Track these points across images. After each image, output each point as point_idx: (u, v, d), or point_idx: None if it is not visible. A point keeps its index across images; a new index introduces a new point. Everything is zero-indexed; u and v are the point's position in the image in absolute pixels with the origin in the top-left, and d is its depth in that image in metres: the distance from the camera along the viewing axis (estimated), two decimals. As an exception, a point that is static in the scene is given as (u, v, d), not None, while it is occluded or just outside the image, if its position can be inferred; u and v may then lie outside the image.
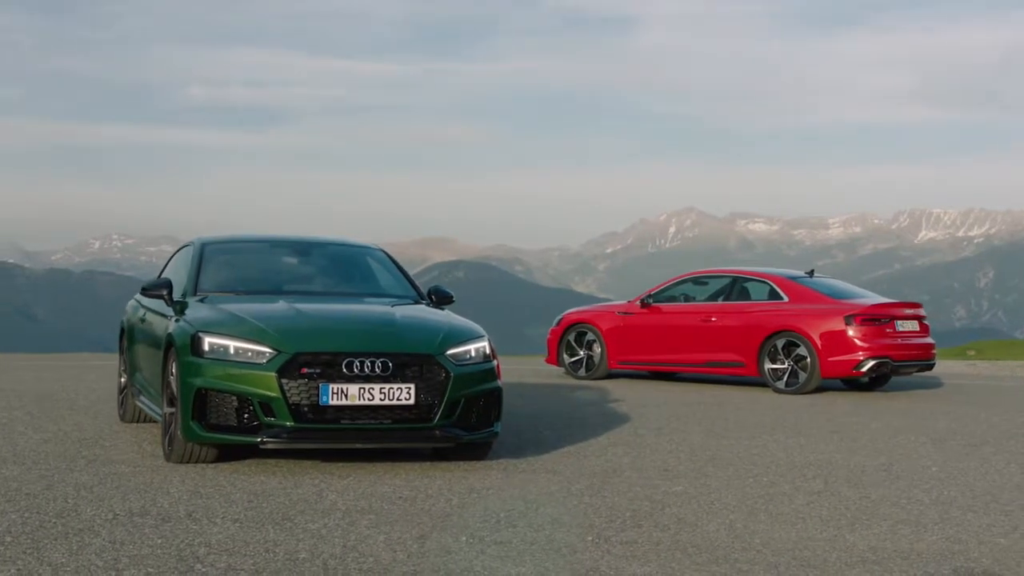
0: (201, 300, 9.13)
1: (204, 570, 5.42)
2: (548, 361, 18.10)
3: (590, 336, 17.43)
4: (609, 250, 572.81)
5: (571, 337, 17.63)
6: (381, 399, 8.15)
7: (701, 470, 8.90)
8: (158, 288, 9.35)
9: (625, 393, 15.04)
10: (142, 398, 9.97)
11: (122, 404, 10.94)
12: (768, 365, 15.86)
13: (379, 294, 9.87)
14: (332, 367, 8.11)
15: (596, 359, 17.33)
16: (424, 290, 10.00)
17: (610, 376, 17.40)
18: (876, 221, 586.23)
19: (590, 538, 6.38)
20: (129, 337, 10.74)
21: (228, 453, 8.68)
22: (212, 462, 8.44)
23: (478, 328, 9.06)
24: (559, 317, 18.16)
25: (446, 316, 9.19)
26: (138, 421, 10.67)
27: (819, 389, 16.01)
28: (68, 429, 10.27)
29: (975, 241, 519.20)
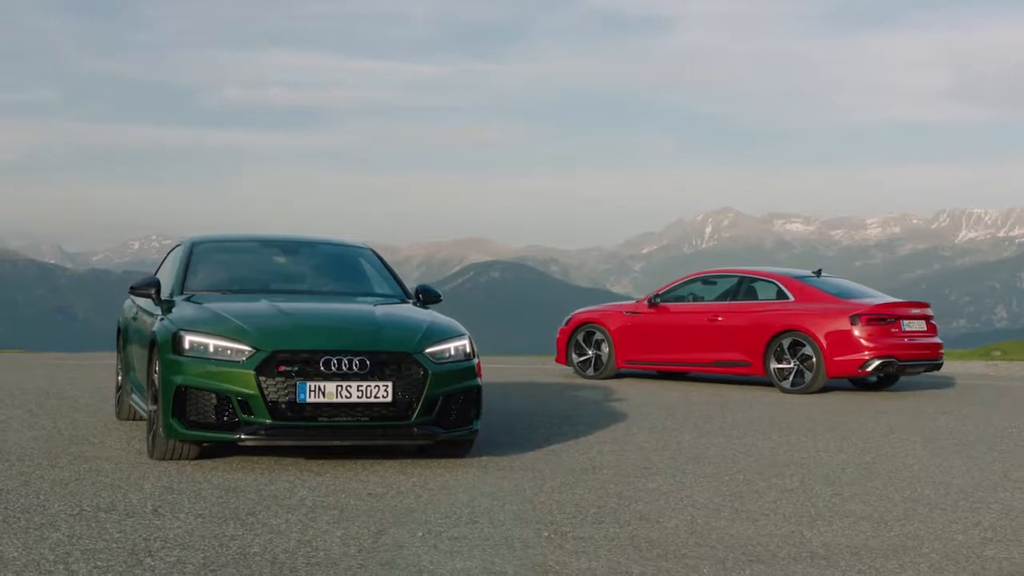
0: (187, 299, 9.25)
1: (153, 564, 5.52)
2: (557, 360, 18.15)
3: (598, 336, 17.47)
4: (645, 250, 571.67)
5: (580, 337, 17.67)
6: (359, 397, 8.24)
7: (681, 468, 8.94)
8: (146, 287, 9.48)
9: (629, 392, 15.08)
10: (134, 396, 10.11)
11: (119, 402, 11.09)
12: (774, 365, 15.85)
13: (366, 293, 9.96)
14: (310, 365, 8.21)
15: (604, 359, 17.37)
16: (412, 289, 10.08)
17: (618, 376, 17.44)
18: (915, 221, 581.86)
19: (546, 534, 6.44)
20: (124, 336, 10.90)
21: (211, 450, 8.80)
22: (194, 459, 8.55)
23: (459, 327, 9.13)
24: (568, 316, 18.21)
25: (429, 315, 9.26)
26: (133, 419, 10.81)
27: (826, 389, 15.99)
28: (63, 427, 10.42)
29: (1016, 241, 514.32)
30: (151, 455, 8.68)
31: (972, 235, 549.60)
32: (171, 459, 8.54)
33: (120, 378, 11.10)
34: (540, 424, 11.35)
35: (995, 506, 7.66)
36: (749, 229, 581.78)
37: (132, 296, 9.92)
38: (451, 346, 8.77)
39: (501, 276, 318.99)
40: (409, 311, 9.33)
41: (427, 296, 9.93)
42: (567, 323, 18.02)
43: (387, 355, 8.40)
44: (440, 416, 8.55)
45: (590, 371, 17.49)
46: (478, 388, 8.86)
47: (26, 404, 12.16)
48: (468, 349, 8.90)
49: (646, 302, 17.39)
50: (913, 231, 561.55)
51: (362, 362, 8.29)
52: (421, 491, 7.61)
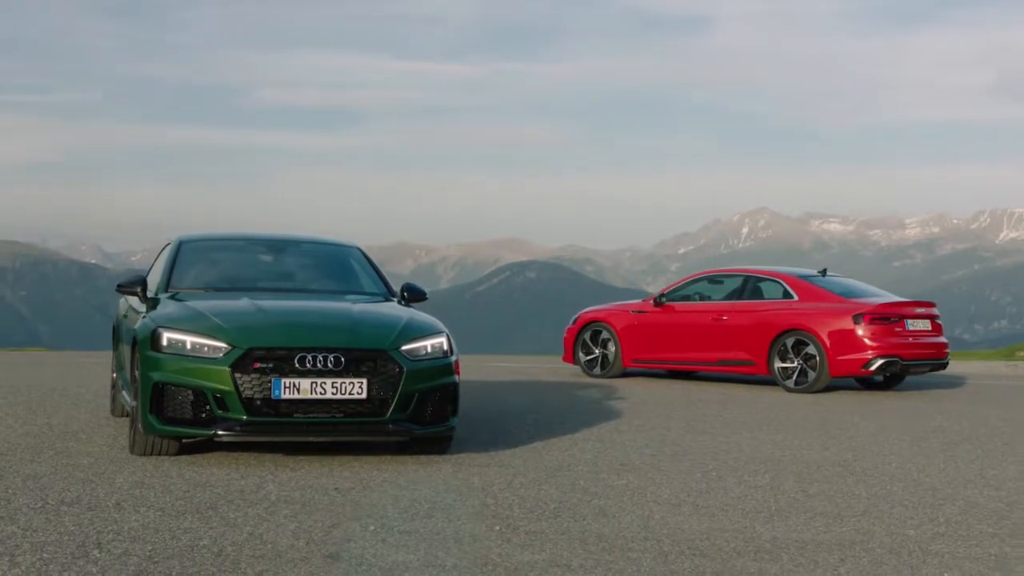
0: (171, 297, 9.38)
1: (98, 556, 5.63)
2: (565, 360, 18.22)
3: (605, 335, 17.53)
4: (681, 251, 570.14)
5: (587, 336, 17.73)
6: (333, 393, 8.34)
7: (657, 465, 8.99)
8: (132, 285, 9.62)
9: (630, 391, 15.12)
10: (124, 393, 10.25)
11: (113, 399, 11.24)
12: (778, 364, 15.86)
13: (350, 292, 10.06)
14: (286, 362, 8.32)
15: (611, 358, 17.42)
16: (398, 288, 10.17)
17: (625, 375, 17.48)
18: (955, 221, 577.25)
19: (498, 528, 6.52)
20: (116, 333, 11.06)
21: (192, 446, 8.93)
22: (173, 455, 8.68)
23: (437, 324, 9.21)
24: (575, 316, 18.28)
25: (408, 313, 9.34)
26: (125, 416, 10.94)
27: (832, 388, 16.00)
28: (56, 423, 10.58)
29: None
30: (131, 450, 8.82)
31: (1014, 235, 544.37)
32: (150, 455, 8.67)
33: (114, 375, 11.26)
34: (530, 422, 11.41)
35: (959, 503, 7.67)
36: (786, 229, 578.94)
37: (120, 294, 10.06)
38: (428, 343, 8.85)
39: (536, 276, 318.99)
40: (388, 309, 9.42)
41: (412, 294, 10.02)
42: (574, 322, 18.09)
43: (362, 352, 8.49)
44: (416, 413, 8.63)
45: (597, 370, 17.54)
46: (455, 385, 8.94)
47: (28, 400, 12.34)
48: (446, 347, 8.98)
49: (652, 301, 17.43)
50: (953, 231, 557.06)
51: (337, 359, 8.38)
52: (389, 486, 7.70)
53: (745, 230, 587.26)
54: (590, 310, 18.27)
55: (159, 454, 8.68)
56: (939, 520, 7.07)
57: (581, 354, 17.77)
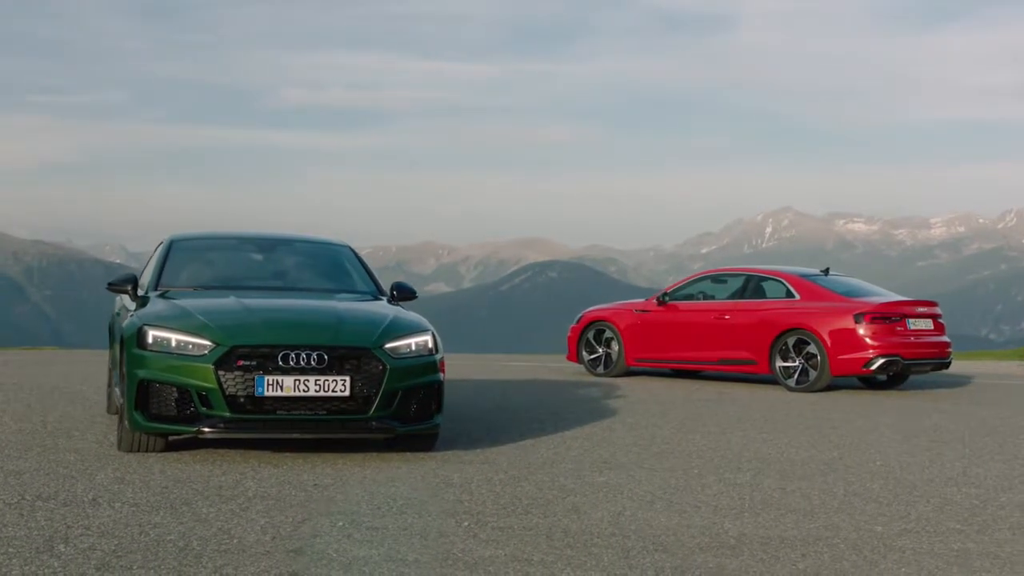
0: (161, 295, 9.47)
1: (63, 550, 5.71)
2: (569, 359, 18.25)
3: (608, 334, 17.56)
4: (704, 250, 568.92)
5: (590, 335, 17.77)
6: (316, 391, 8.41)
7: (640, 462, 9.02)
8: (122, 284, 9.73)
9: (631, 390, 15.15)
10: (116, 389, 10.35)
11: (109, 396, 11.34)
12: (779, 363, 15.86)
13: (339, 290, 10.12)
14: (269, 360, 8.39)
15: (614, 357, 17.45)
16: (387, 287, 10.24)
17: (628, 374, 17.50)
18: (981, 220, 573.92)
19: (467, 523, 6.57)
20: (111, 332, 11.16)
21: (180, 443, 9.03)
22: (160, 451, 8.76)
23: (423, 323, 9.26)
24: (579, 315, 18.31)
25: (394, 311, 9.40)
26: (119, 413, 11.05)
27: (834, 387, 16.00)
28: (52, 420, 10.68)
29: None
30: (119, 447, 8.91)
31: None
32: (137, 451, 8.75)
33: (111, 372, 11.37)
34: (523, 420, 11.46)
35: (934, 500, 7.69)
36: (810, 229, 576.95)
37: (110, 292, 10.15)
38: (412, 341, 8.90)
39: (559, 276, 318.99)
40: (374, 307, 9.48)
41: (402, 293, 10.08)
42: (578, 321, 18.12)
43: (346, 350, 8.56)
44: (399, 410, 8.69)
45: (600, 369, 17.57)
46: (439, 383, 8.99)
47: (28, 398, 12.45)
48: (430, 345, 9.04)
49: (655, 300, 17.45)
50: (979, 231, 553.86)
51: (320, 356, 8.45)
52: (368, 483, 7.76)
53: (768, 230, 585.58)
54: (594, 309, 18.30)
55: (145, 451, 8.76)
56: (910, 517, 7.09)
57: (585, 353, 17.81)
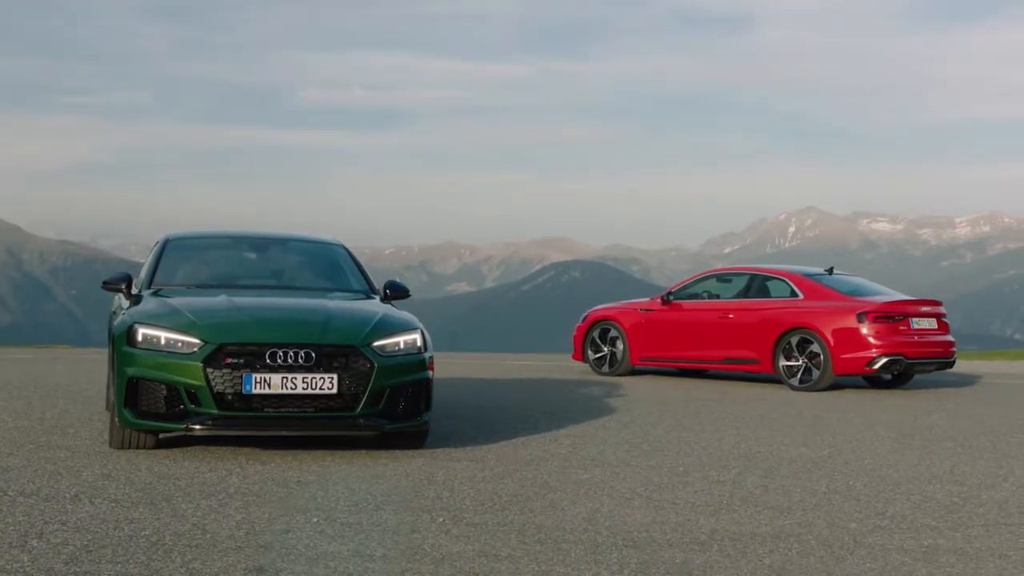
0: (154, 293, 9.57)
1: (36, 545, 5.78)
2: (574, 358, 18.29)
3: (613, 333, 17.59)
4: (727, 250, 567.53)
5: (595, 334, 17.80)
6: (304, 388, 8.48)
7: (628, 460, 9.05)
8: (117, 282, 9.82)
9: (633, 389, 15.18)
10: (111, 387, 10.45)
11: (108, 394, 11.44)
12: (782, 362, 15.87)
13: (332, 289, 10.19)
14: (257, 358, 8.46)
15: (619, 356, 17.48)
16: (380, 285, 10.29)
17: (633, 373, 17.52)
18: (1007, 220, 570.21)
19: (441, 520, 6.61)
20: (109, 330, 11.24)
21: (172, 440, 9.13)
22: (151, 448, 8.85)
23: (412, 321, 9.31)
24: (584, 314, 18.34)
25: (384, 310, 9.45)
26: (116, 410, 11.15)
27: (839, 386, 16.00)
28: (50, 417, 10.78)
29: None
30: (110, 444, 9.00)
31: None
32: (127, 448, 8.84)
33: (110, 370, 11.46)
34: (519, 418, 11.50)
35: (915, 498, 7.69)
36: (833, 229, 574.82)
37: (105, 291, 10.25)
38: (400, 340, 8.96)
39: (581, 276, 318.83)
40: (364, 306, 9.54)
41: (395, 292, 10.14)
42: (583, 320, 18.16)
43: (333, 348, 8.63)
44: (387, 408, 8.75)
45: (605, 368, 17.61)
46: (428, 381, 9.05)
47: (31, 396, 12.57)
48: (419, 343, 9.09)
49: (660, 300, 17.47)
50: (1005, 230, 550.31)
51: (308, 354, 8.52)
52: (352, 480, 7.81)
53: (792, 229, 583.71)
54: (600, 308, 18.33)
55: (136, 448, 8.85)
56: (886, 514, 7.10)
57: (590, 352, 17.85)
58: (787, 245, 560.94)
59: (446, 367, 18.47)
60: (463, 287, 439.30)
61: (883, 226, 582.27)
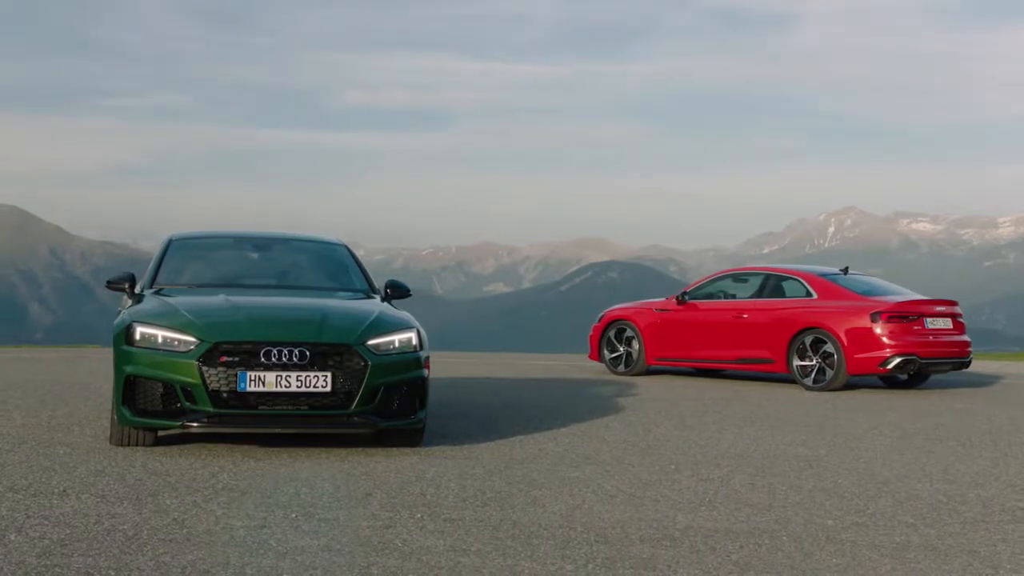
0: (155, 293, 9.71)
1: (14, 539, 5.89)
2: (591, 357, 18.33)
3: (629, 333, 17.63)
4: (766, 250, 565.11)
5: (611, 334, 17.84)
6: (298, 386, 8.58)
7: (621, 458, 9.09)
8: (120, 282, 9.97)
9: (645, 388, 15.20)
10: (118, 387, 10.59)
11: (116, 393, 11.60)
12: (796, 362, 15.86)
13: (332, 288, 10.30)
14: (253, 356, 8.57)
15: (635, 355, 17.51)
16: (381, 284, 10.38)
17: (648, 372, 17.55)
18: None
19: (419, 516, 6.68)
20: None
21: (172, 437, 9.26)
22: (150, 445, 8.98)
23: (408, 320, 9.39)
24: (601, 314, 18.38)
25: (380, 309, 9.53)
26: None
27: (854, 386, 15.96)
28: (59, 415, 10.93)
29: None
30: (110, 441, 9.14)
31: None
32: (126, 445, 8.98)
33: (115, 369, 11.62)
34: (522, 417, 11.56)
35: (899, 495, 7.70)
36: (873, 229, 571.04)
37: (109, 290, 10.40)
38: (395, 338, 9.04)
39: (619, 276, 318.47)
40: (361, 305, 9.63)
41: (396, 291, 10.23)
42: (600, 320, 18.20)
43: (328, 346, 8.72)
44: (381, 406, 8.84)
45: (621, 368, 17.64)
46: (423, 379, 9.12)
47: (44, 395, 12.75)
48: (415, 342, 9.16)
49: (675, 299, 17.48)
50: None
51: (302, 353, 8.62)
52: (342, 477, 7.89)
53: (831, 230, 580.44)
54: (616, 308, 18.36)
55: (135, 444, 8.98)
56: (866, 511, 7.11)
57: (606, 352, 17.89)
58: (827, 245, 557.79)
59: (463, 368, 18.55)
60: (500, 288, 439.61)
61: (924, 226, 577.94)
